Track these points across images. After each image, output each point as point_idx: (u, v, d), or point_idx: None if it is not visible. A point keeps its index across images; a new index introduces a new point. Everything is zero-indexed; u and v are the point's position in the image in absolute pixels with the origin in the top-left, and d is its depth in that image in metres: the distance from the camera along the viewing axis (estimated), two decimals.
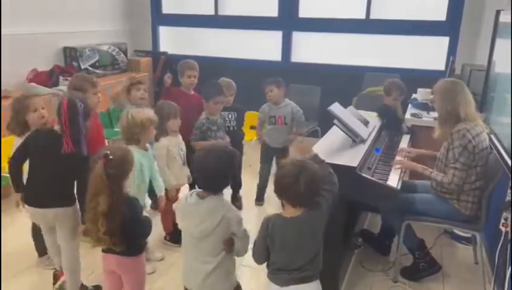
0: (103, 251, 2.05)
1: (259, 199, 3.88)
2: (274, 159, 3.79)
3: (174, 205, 1.96)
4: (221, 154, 1.85)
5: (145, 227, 2.04)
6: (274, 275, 1.86)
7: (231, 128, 3.60)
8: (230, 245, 1.87)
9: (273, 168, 3.80)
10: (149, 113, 2.60)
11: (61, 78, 4.60)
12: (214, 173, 1.83)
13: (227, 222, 1.84)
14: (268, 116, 3.69)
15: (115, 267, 2.06)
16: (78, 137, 2.23)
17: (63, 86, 4.44)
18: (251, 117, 4.40)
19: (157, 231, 3.16)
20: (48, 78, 4.52)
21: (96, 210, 1.86)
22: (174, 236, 3.18)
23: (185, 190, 3.08)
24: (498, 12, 3.28)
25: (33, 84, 4.32)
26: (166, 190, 2.90)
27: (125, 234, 1.92)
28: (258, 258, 1.91)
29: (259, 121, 3.81)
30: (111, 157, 1.85)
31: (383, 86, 3.63)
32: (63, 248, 2.46)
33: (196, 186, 2.00)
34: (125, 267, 2.05)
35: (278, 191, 1.82)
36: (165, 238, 3.19)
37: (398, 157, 2.86)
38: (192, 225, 1.86)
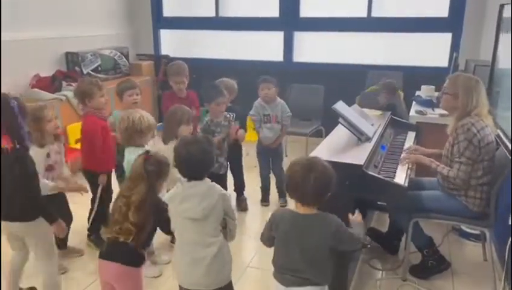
0: (101, 257, 1.99)
1: (265, 200, 3.87)
2: (270, 160, 3.82)
3: (166, 195, 2.01)
4: (194, 143, 1.95)
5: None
6: (279, 274, 1.87)
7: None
8: (225, 227, 1.98)
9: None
10: (150, 120, 2.63)
11: (64, 83, 4.59)
12: (191, 161, 1.92)
13: (223, 200, 1.94)
14: (263, 115, 3.72)
15: (111, 277, 1.99)
16: (19, 132, 2.15)
17: (66, 91, 4.44)
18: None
19: (164, 234, 3.15)
20: (51, 84, 4.51)
21: (129, 200, 1.93)
22: None
23: None
24: (502, 7, 3.26)
25: (36, 89, 4.32)
26: None
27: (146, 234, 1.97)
28: (265, 242, 1.96)
29: (255, 119, 3.76)
30: (151, 154, 1.99)
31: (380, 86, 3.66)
32: (39, 266, 2.37)
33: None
34: (122, 277, 1.97)
35: (288, 189, 1.84)
36: (171, 241, 3.17)
37: (404, 154, 2.84)
38: (193, 206, 1.90)
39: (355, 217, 1.98)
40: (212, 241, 1.92)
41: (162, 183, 2.08)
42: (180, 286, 2.03)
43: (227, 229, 1.98)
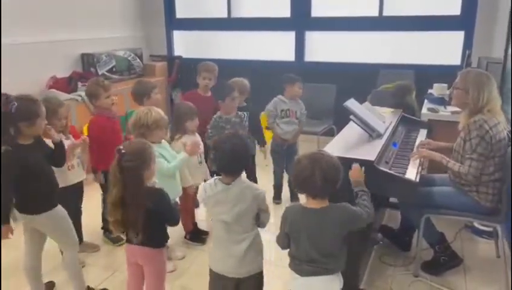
0: (127, 241, 2.11)
1: (277, 198, 3.90)
2: (285, 158, 3.83)
3: (198, 196, 2.02)
4: (237, 138, 1.99)
5: (174, 217, 2.13)
6: (295, 264, 1.90)
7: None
8: (258, 219, 2.01)
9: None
10: (156, 116, 2.57)
11: (79, 84, 4.69)
12: (234, 156, 1.93)
13: (256, 201, 1.96)
14: (280, 110, 3.75)
15: (138, 258, 2.12)
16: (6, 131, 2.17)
17: (82, 92, 4.53)
18: (265, 118, 4.41)
19: (177, 230, 3.20)
20: (67, 85, 4.62)
21: (109, 201, 1.97)
22: (194, 235, 3.22)
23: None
24: None
25: (53, 90, 4.42)
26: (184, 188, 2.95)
27: (149, 225, 1.98)
28: (280, 244, 1.98)
29: (271, 114, 3.80)
30: (123, 151, 1.93)
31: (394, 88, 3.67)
32: (64, 254, 2.50)
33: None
34: (147, 258, 2.10)
35: (297, 185, 1.88)
36: (185, 237, 3.23)
37: (415, 150, 2.85)
38: (223, 212, 1.94)
39: (353, 172, 2.05)
40: (244, 237, 1.97)
41: (150, 170, 2.02)
42: (210, 270, 2.08)
43: (260, 220, 2.02)
